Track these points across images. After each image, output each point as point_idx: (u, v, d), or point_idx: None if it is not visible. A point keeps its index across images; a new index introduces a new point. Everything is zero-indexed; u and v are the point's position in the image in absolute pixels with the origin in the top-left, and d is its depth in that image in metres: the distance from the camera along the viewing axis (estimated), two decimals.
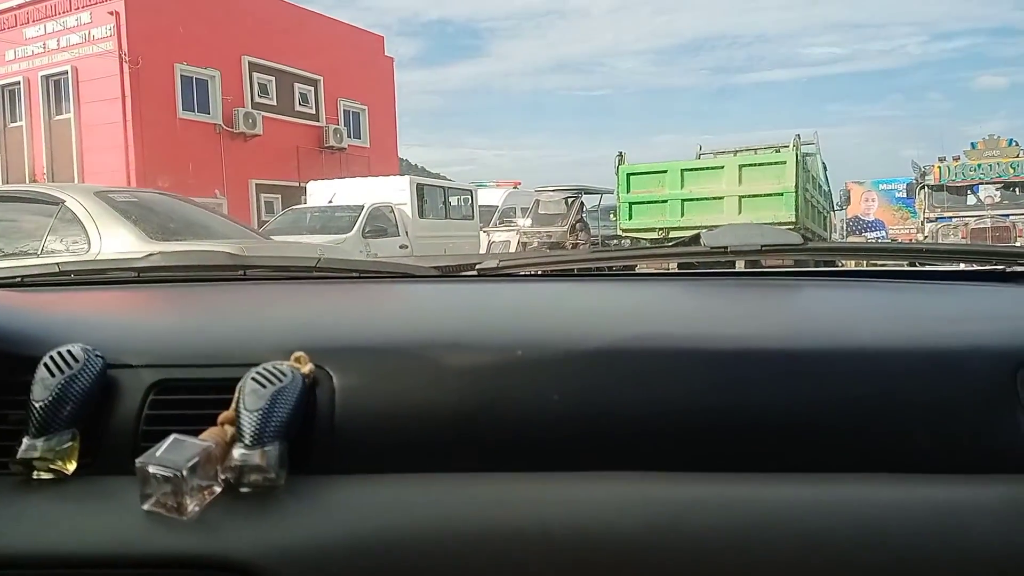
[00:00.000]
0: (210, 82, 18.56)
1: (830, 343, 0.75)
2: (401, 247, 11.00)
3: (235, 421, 0.66)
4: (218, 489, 0.64)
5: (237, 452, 0.64)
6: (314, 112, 21.66)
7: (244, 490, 0.64)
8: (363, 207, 10.72)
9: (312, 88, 21.58)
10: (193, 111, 18.21)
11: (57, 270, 1.21)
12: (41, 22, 17.69)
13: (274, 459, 0.64)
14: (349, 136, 22.46)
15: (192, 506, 0.61)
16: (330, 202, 11.45)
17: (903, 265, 1.33)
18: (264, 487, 0.64)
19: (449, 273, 1.19)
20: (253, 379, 0.68)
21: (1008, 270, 1.04)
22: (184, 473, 0.60)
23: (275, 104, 20.29)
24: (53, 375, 0.70)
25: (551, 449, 0.69)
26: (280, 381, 0.68)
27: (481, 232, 12.59)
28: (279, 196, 20.23)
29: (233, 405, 0.68)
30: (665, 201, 10.87)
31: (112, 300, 1.12)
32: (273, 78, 20.26)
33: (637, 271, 1.37)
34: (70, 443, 0.69)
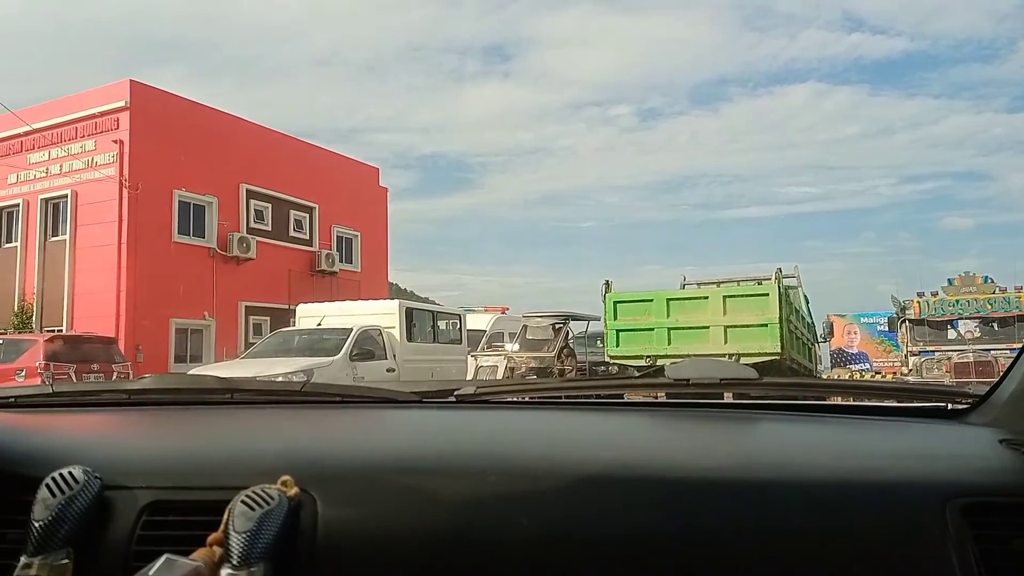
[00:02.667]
0: (207, 207, 19.04)
1: (779, 475, 0.82)
2: (388, 370, 10.89)
3: (224, 542, 0.68)
4: None
5: (225, 572, 0.66)
6: (308, 237, 22.12)
7: None
8: (351, 330, 10.70)
9: (307, 215, 22.15)
10: (188, 235, 18.56)
11: (51, 391, 1.26)
12: (46, 148, 18.32)
13: None
14: (341, 260, 22.86)
15: None
16: (319, 324, 11.42)
17: (852, 400, 1.42)
18: None
19: (428, 399, 1.24)
20: (242, 502, 0.70)
21: (949, 407, 1.11)
22: None
23: (270, 229, 20.74)
24: (54, 495, 0.72)
25: (520, 573, 0.73)
26: (268, 504, 0.71)
27: (469, 356, 12.53)
28: (268, 318, 20.24)
29: (222, 527, 0.70)
30: (652, 329, 10.97)
31: (106, 422, 1.15)
32: (269, 204, 20.82)
33: (605, 401, 1.43)
34: (65, 561, 0.70)
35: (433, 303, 17.68)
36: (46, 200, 18.25)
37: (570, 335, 12.16)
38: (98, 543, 0.75)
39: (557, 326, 11.90)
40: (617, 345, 11.20)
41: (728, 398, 1.34)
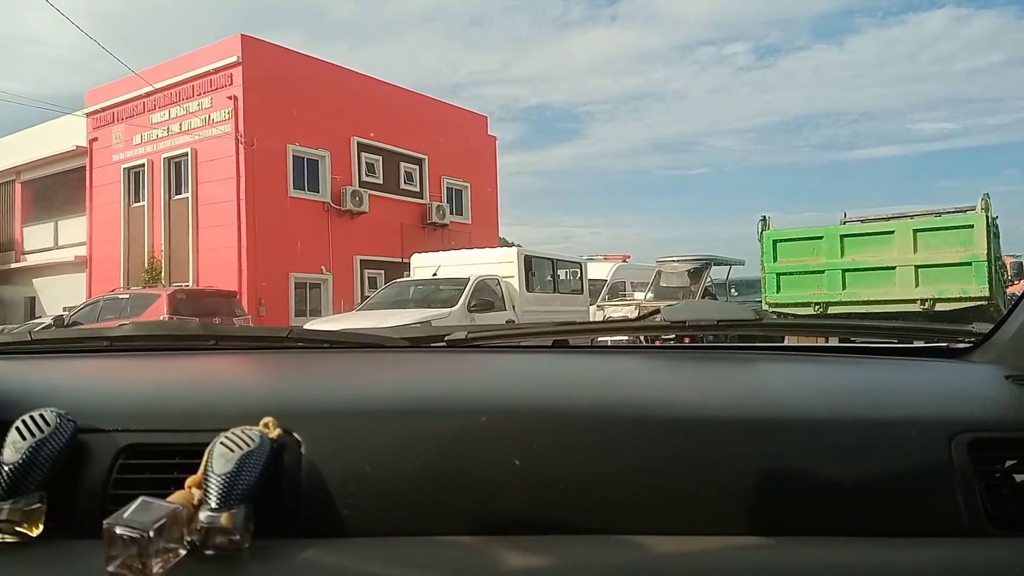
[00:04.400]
0: (320, 161, 18.94)
1: (778, 414, 0.80)
2: (508, 322, 10.14)
3: (203, 484, 0.67)
4: (183, 552, 0.63)
5: (203, 515, 0.64)
6: (418, 190, 21.80)
7: (209, 552, 0.64)
8: (468, 280, 9.99)
9: (417, 167, 21.79)
10: (303, 190, 18.55)
11: (30, 339, 1.25)
12: (166, 108, 18.66)
13: (240, 522, 0.64)
14: (451, 213, 22.43)
15: (157, 568, 0.61)
16: (434, 275, 10.79)
17: (856, 341, 1.39)
18: (229, 550, 0.64)
19: (419, 344, 1.24)
20: (222, 443, 0.69)
21: (951, 346, 1.11)
22: (150, 534, 0.60)
23: (381, 182, 20.53)
24: (24, 438, 0.71)
25: (512, 513, 0.72)
26: (248, 446, 0.69)
27: (594, 307, 11.56)
28: (382, 272, 20.20)
29: (201, 469, 0.68)
30: (821, 271, 9.41)
31: (85, 368, 1.12)
32: (380, 157, 20.56)
33: (599, 343, 1.34)
34: (37, 505, 0.69)
35: None
36: (168, 159, 18.65)
37: (711, 282, 10.76)
38: (72, 486, 0.74)
39: (695, 271, 10.51)
40: (777, 290, 9.72)
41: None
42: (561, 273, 12.24)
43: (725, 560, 0.66)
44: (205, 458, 0.68)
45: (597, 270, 13.76)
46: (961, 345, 1.08)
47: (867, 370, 1.03)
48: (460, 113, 24.03)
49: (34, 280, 22.50)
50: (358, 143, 19.85)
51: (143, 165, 19.16)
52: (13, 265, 22.85)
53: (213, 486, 0.66)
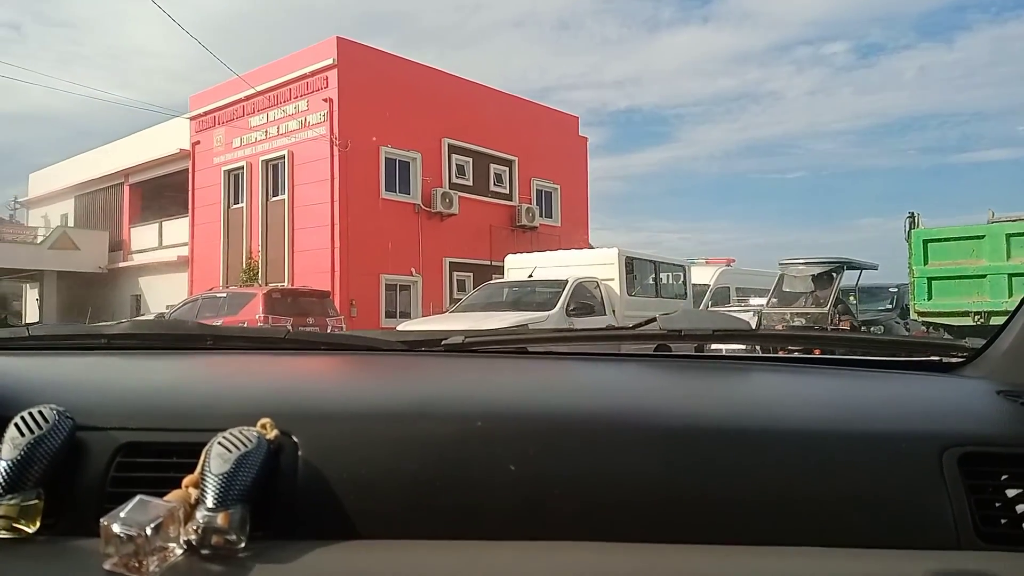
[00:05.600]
0: (412, 163, 18.89)
1: (770, 425, 0.80)
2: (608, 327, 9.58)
3: (200, 484, 0.67)
4: (180, 551, 0.63)
5: (200, 514, 0.64)
6: (508, 192, 21.50)
7: (205, 552, 0.64)
8: (566, 282, 9.44)
9: (507, 168, 21.49)
10: (395, 191, 18.54)
11: (28, 335, 1.24)
12: (264, 111, 19.02)
13: (236, 522, 0.65)
14: (541, 215, 21.99)
15: (153, 566, 0.61)
16: (530, 276, 10.29)
17: (851, 354, 1.37)
18: (225, 549, 0.64)
19: (416, 347, 1.23)
20: (219, 443, 0.69)
21: (944, 360, 1.10)
22: (147, 533, 0.60)
23: (471, 184, 20.33)
24: (23, 435, 0.71)
25: (506, 517, 0.72)
26: (245, 446, 0.69)
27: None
28: (471, 274, 19.98)
29: (198, 468, 0.68)
30: (982, 276, 8.27)
31: (84, 365, 1.11)
32: (470, 159, 20.36)
33: (597, 351, 1.32)
34: (35, 502, 0.69)
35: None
36: (266, 161, 19.00)
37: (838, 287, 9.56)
38: (70, 483, 0.74)
39: (825, 275, 9.37)
40: (928, 297, 8.67)
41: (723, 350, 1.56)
42: (663, 276, 11.51)
43: (716, 569, 0.66)
44: (202, 458, 0.69)
45: (699, 274, 12.92)
46: (954, 359, 1.08)
47: (860, 383, 1.03)
48: (551, 114, 23.59)
49: (140, 279, 23.48)
50: (449, 144, 19.72)
51: (242, 167, 19.62)
52: (121, 264, 23.92)
53: (210, 486, 0.66)
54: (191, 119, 21.05)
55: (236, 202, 19.97)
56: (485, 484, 0.73)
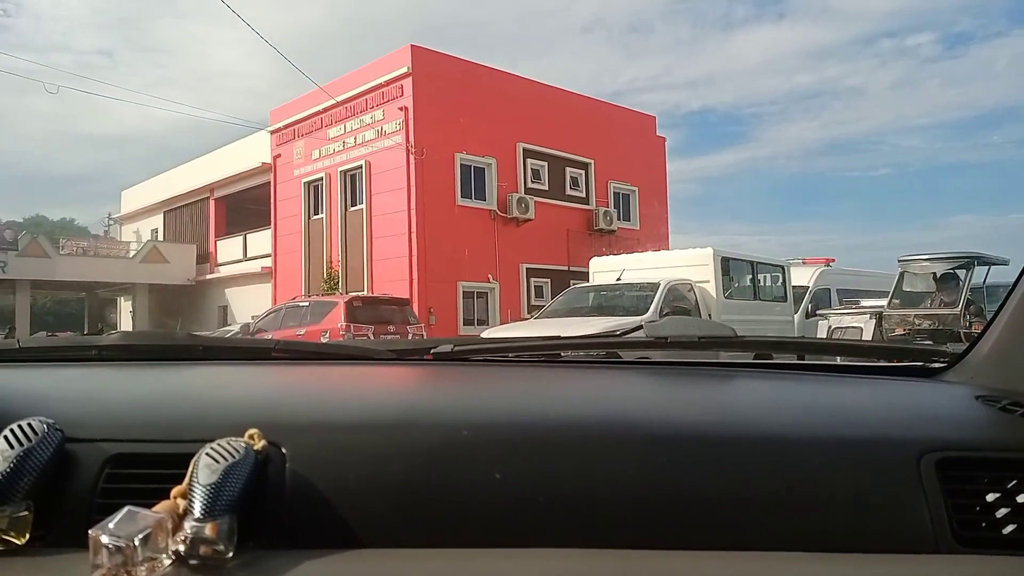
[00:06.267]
0: (487, 169, 18.70)
1: (752, 430, 0.81)
2: None
3: (188, 494, 0.67)
4: (168, 561, 0.63)
5: (188, 524, 0.65)
6: (584, 195, 21.06)
7: (193, 562, 0.64)
8: (659, 285, 8.91)
9: (583, 171, 21.06)
10: (470, 198, 18.38)
11: (17, 347, 1.27)
12: (342, 122, 19.21)
13: (224, 532, 0.65)
14: (619, 218, 21.44)
15: None
16: (618, 280, 9.79)
17: (834, 360, 1.35)
18: (213, 560, 0.64)
19: (405, 356, 1.25)
20: (207, 454, 0.69)
21: (926, 366, 1.11)
22: (135, 544, 0.61)
23: (547, 188, 19.99)
24: (12, 447, 0.71)
25: (492, 525, 0.72)
26: (233, 457, 0.69)
27: (816, 318, 9.91)
28: (548, 280, 19.62)
29: (187, 479, 0.68)
30: None
31: (73, 377, 1.11)
32: (545, 163, 20.03)
33: (583, 359, 1.35)
34: (24, 514, 0.69)
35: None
36: (344, 172, 19.17)
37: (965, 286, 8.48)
38: (59, 495, 0.74)
39: (949, 273, 8.39)
40: None
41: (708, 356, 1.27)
42: (761, 277, 10.80)
43: (698, 573, 0.67)
44: (191, 468, 0.69)
45: (796, 275, 12.08)
46: (935, 365, 1.08)
47: (841, 388, 1.03)
48: (627, 115, 23.04)
49: (226, 290, 24.13)
50: (523, 149, 19.45)
51: (321, 179, 19.86)
52: (208, 276, 24.65)
53: (198, 496, 0.66)
54: (272, 133, 21.50)
55: (316, 213, 20.22)
56: (471, 492, 0.73)
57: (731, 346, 1.25)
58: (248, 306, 21.59)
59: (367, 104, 18.43)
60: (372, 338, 11.09)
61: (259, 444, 0.73)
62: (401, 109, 17.55)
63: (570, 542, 0.70)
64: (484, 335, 8.92)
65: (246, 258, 23.48)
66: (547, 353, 1.36)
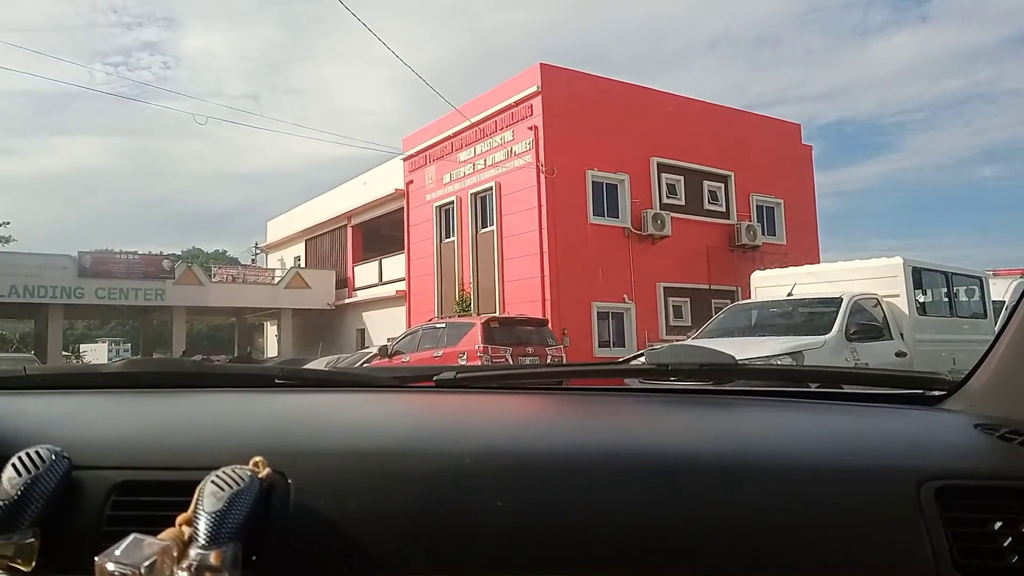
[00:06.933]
0: (619, 185, 18.03)
1: (755, 459, 0.81)
2: (898, 355, 7.77)
3: (193, 522, 0.68)
4: None
5: (193, 552, 0.65)
6: (724, 209, 19.88)
7: None
8: (840, 300, 7.80)
9: (722, 184, 19.90)
10: (603, 216, 17.74)
11: (24, 373, 1.26)
12: (472, 145, 19.15)
13: (228, 560, 0.65)
14: (763, 233, 20.01)
15: None
16: (789, 294, 8.73)
17: (834, 388, 1.36)
18: None
19: (408, 383, 1.27)
20: (212, 482, 0.70)
21: (926, 394, 1.09)
22: (141, 571, 0.61)
23: (683, 203, 19.01)
24: (20, 475, 0.72)
25: (495, 553, 0.73)
26: (238, 485, 0.70)
27: None
28: (687, 300, 18.57)
29: (192, 507, 0.69)
30: None
31: (77, 404, 1.12)
32: (681, 177, 19.08)
33: (585, 387, 1.35)
34: (31, 541, 0.70)
35: None
36: (475, 194, 19.07)
37: None
38: (66, 523, 0.75)
39: None
40: None
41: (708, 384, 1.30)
42: (957, 291, 9.37)
43: None
44: (196, 496, 0.69)
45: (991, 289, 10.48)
46: (935, 392, 1.08)
47: (841, 416, 1.03)
48: (769, 123, 21.66)
49: (363, 313, 24.69)
50: (658, 163, 18.61)
51: (452, 202, 19.88)
52: (347, 300, 25.36)
53: (203, 524, 0.66)
54: (404, 160, 21.85)
55: (447, 236, 20.25)
56: (474, 521, 0.74)
57: (732, 374, 1.27)
58: (384, 328, 21.90)
59: (496, 126, 18.27)
60: (511, 361, 10.63)
61: (263, 472, 0.74)
62: (531, 128, 17.24)
63: (572, 570, 0.71)
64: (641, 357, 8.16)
65: (381, 282, 23.94)
66: (550, 380, 1.39)
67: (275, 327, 28.64)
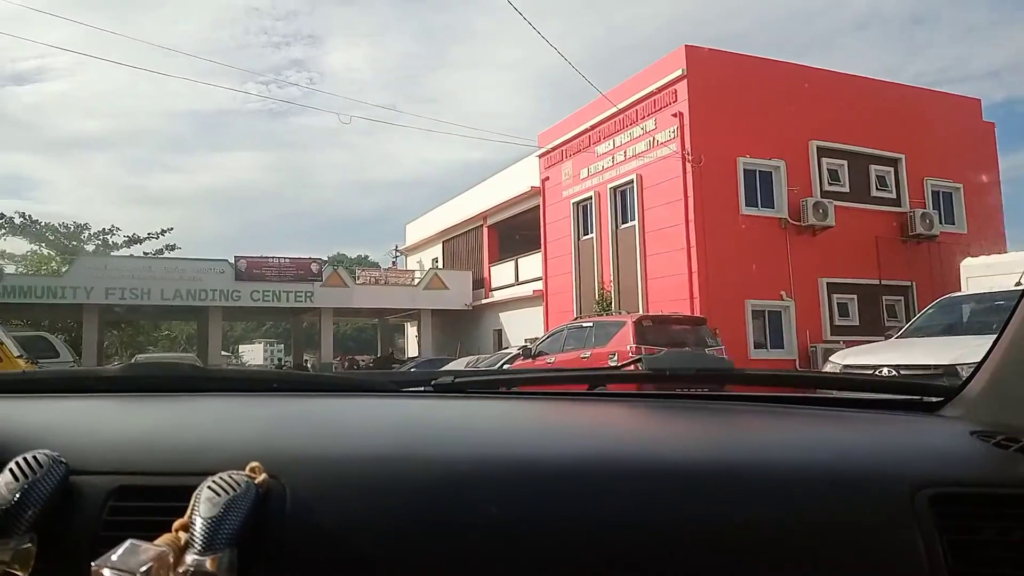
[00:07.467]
0: (774, 173, 16.59)
1: (751, 465, 0.82)
2: None
3: (189, 528, 0.68)
4: None
5: (189, 558, 0.65)
6: (894, 196, 17.91)
7: None
8: None
9: (891, 169, 17.94)
10: (756, 206, 16.38)
11: (23, 376, 1.30)
12: (611, 137, 18.35)
13: (224, 565, 0.65)
14: (940, 221, 17.82)
15: None
16: (1018, 284, 7.32)
17: (831, 394, 1.36)
18: None
19: (405, 388, 1.26)
20: (209, 487, 0.70)
21: (923, 401, 1.09)
22: None
23: (847, 190, 17.27)
24: (17, 479, 0.72)
25: (490, 560, 0.73)
26: (234, 490, 0.70)
27: None
28: (854, 296, 16.85)
29: (188, 512, 0.69)
30: None
31: (75, 408, 1.10)
32: (845, 161, 17.35)
33: (582, 392, 1.31)
34: (28, 546, 0.70)
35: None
36: (614, 188, 18.26)
37: None
38: (63, 528, 0.75)
39: None
40: None
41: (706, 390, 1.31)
42: None
43: None
44: (192, 502, 0.70)
45: None
46: (932, 400, 1.08)
47: (837, 423, 1.03)
48: (944, 99, 19.37)
49: (500, 314, 24.50)
50: (817, 147, 16.99)
51: (590, 197, 19.15)
52: (484, 301, 25.28)
53: (199, 530, 0.67)
54: (540, 156, 21.39)
55: (586, 233, 19.54)
56: (469, 527, 0.74)
57: (729, 380, 1.27)
58: (521, 329, 21.54)
59: (638, 115, 17.34)
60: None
61: (260, 477, 0.74)
62: (675, 115, 16.20)
63: None
64: (834, 358, 7.10)
65: (518, 282, 23.62)
66: (546, 386, 1.41)
67: (415, 328, 29.12)
